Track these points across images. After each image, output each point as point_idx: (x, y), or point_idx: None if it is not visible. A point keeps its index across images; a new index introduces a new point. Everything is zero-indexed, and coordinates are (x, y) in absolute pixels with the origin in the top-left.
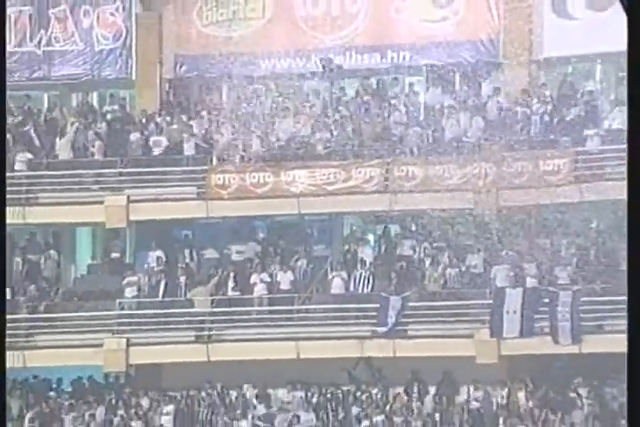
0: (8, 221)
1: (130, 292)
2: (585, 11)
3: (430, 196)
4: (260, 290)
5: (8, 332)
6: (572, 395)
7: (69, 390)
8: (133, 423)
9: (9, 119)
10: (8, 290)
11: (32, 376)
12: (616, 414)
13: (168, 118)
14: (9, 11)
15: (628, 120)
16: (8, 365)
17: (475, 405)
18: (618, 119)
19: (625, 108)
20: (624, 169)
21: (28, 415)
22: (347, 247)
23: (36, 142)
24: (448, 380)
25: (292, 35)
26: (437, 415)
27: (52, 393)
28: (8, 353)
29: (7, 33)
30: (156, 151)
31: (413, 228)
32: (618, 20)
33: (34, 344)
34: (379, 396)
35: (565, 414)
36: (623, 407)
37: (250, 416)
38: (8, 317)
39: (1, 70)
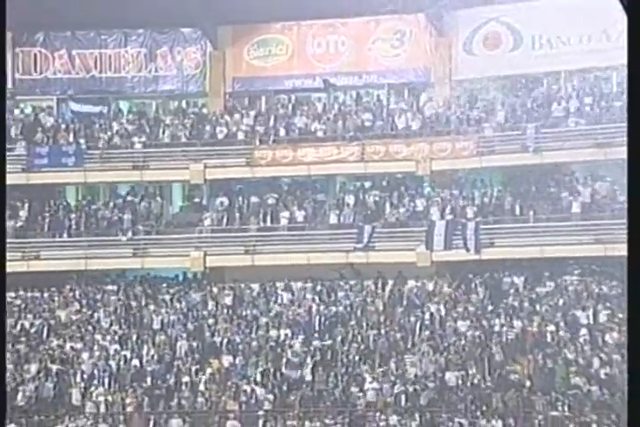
0: (130, 179)
1: (206, 223)
2: (482, 49)
3: (388, 164)
4: (284, 221)
5: (133, 247)
6: (473, 285)
7: (169, 280)
8: (209, 301)
9: (147, 115)
10: (132, 221)
11: (147, 273)
12: (501, 299)
13: (228, 117)
14: (133, 51)
15: (629, 119)
16: (132, 267)
17: (415, 291)
18: (502, 116)
19: (503, 111)
20: (508, 147)
21: (142, 302)
22: (338, 195)
23: (148, 131)
24: (400, 276)
25: (305, 64)
26: (392, 298)
27: (158, 282)
28: (130, 260)
29: (131, 66)
30: (221, 136)
31: (379, 183)
32: (504, 56)
33: (146, 253)
34: (357, 287)
35: (470, 296)
36: (508, 294)
37: (278, 299)
38: (133, 237)
39: (1, 74)
